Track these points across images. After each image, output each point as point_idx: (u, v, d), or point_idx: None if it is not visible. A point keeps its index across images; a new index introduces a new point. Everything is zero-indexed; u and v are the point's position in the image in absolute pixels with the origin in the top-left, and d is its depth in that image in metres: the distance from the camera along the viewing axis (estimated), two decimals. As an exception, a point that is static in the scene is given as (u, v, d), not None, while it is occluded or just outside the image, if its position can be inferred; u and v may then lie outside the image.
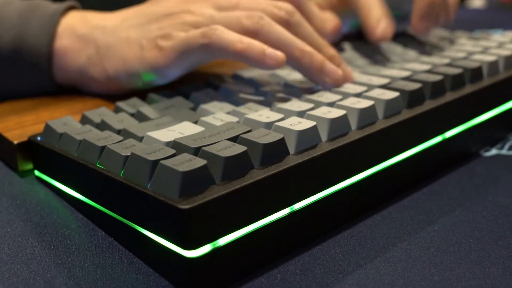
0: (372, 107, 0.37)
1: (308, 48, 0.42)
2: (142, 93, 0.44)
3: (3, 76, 0.48)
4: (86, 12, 0.49)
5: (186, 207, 0.27)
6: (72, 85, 0.49)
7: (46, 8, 0.47)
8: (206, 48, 0.41)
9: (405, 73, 0.44)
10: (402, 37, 0.58)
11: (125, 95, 0.45)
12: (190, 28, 0.43)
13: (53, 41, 0.46)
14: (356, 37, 0.60)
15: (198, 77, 0.51)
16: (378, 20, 0.52)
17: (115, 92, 0.47)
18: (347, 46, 0.56)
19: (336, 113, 0.35)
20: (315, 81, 0.43)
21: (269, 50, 0.40)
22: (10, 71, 0.47)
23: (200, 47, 0.41)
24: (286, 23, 0.43)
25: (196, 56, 0.42)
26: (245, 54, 0.40)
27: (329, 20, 0.55)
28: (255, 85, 0.45)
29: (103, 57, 0.45)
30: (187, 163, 0.29)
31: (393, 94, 0.38)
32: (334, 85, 0.42)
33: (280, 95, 0.42)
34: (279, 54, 0.40)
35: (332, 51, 0.44)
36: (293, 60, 0.42)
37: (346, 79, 0.43)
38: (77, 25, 0.47)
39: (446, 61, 0.47)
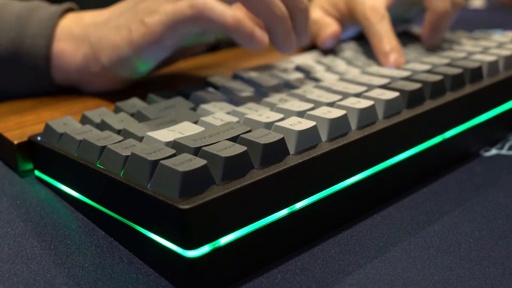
0: (372, 107, 0.37)
1: (285, 11, 0.44)
2: (142, 93, 0.44)
3: (2, 77, 0.48)
4: (81, 13, 0.49)
5: (186, 207, 0.27)
6: (71, 85, 0.49)
7: (44, 10, 0.47)
8: (194, 20, 0.41)
9: (405, 73, 0.44)
10: (402, 37, 0.57)
11: (125, 95, 0.45)
12: (176, 1, 0.42)
13: (51, 43, 0.46)
14: (356, 37, 0.60)
15: (198, 77, 0.51)
16: (390, 50, 0.52)
17: (114, 86, 0.47)
18: (347, 46, 0.56)
19: (336, 113, 0.35)
20: (277, 44, 0.45)
21: (258, 31, 0.42)
22: (9, 73, 0.47)
23: (188, 19, 0.41)
24: None
25: (183, 29, 0.42)
26: (235, 30, 0.41)
27: (329, 25, 0.55)
28: (255, 85, 0.45)
29: (96, 50, 0.45)
30: (187, 163, 0.29)
31: (393, 94, 0.38)
32: (288, 52, 0.45)
33: (280, 95, 0.42)
34: (265, 37, 0.43)
35: (307, 7, 0.46)
36: (270, 19, 0.43)
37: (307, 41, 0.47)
38: (72, 26, 0.47)
39: (446, 61, 0.47)
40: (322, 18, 0.57)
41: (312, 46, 0.58)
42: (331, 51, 0.55)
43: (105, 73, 0.46)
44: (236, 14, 0.41)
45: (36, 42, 0.46)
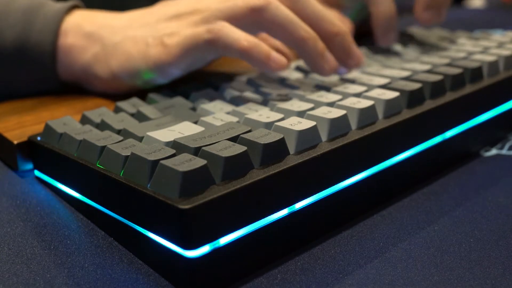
0: (372, 107, 0.37)
1: (312, 32, 0.42)
2: (142, 93, 0.44)
3: (7, 72, 0.48)
4: (93, 11, 0.49)
5: (186, 207, 0.27)
6: (75, 83, 0.49)
7: (50, 6, 0.48)
8: (211, 44, 0.41)
9: (405, 73, 0.44)
10: (402, 37, 0.58)
11: (125, 95, 0.45)
12: (197, 26, 0.43)
13: (57, 39, 0.47)
14: (355, 37, 0.60)
15: (198, 77, 0.51)
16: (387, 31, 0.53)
17: (116, 90, 0.47)
18: None
19: (336, 113, 0.35)
20: (314, 68, 0.44)
21: (274, 54, 0.41)
22: (15, 68, 0.48)
23: (205, 43, 0.41)
24: (293, 5, 0.43)
25: (200, 52, 0.42)
26: (250, 53, 0.41)
27: (343, 22, 0.55)
28: (255, 85, 0.45)
29: (108, 54, 0.45)
30: (187, 163, 0.29)
31: (393, 94, 0.38)
32: (330, 73, 0.43)
33: (280, 95, 0.42)
34: (282, 59, 0.41)
35: (341, 29, 0.44)
36: (297, 42, 0.42)
37: (357, 63, 0.45)
38: (83, 23, 0.47)
39: (446, 61, 0.47)
40: (332, 13, 0.58)
41: None
42: None
43: (110, 79, 0.46)
44: (250, 38, 0.41)
45: (42, 38, 0.46)
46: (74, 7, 0.49)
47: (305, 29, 0.42)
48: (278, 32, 0.43)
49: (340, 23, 0.45)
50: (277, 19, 0.42)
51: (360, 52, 0.45)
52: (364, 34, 0.60)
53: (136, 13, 0.47)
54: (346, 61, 0.45)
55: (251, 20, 0.42)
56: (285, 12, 0.42)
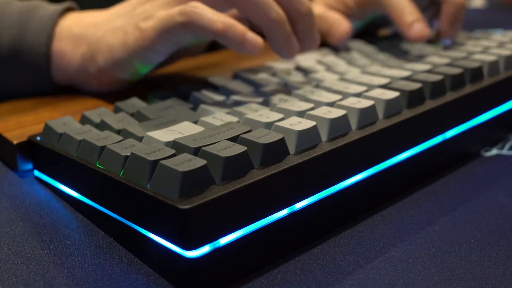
0: (372, 107, 0.37)
1: (283, 14, 0.42)
2: (142, 93, 0.44)
3: (2, 75, 0.48)
4: (83, 13, 0.49)
5: (186, 207, 0.27)
6: (70, 85, 0.49)
7: (45, 9, 0.47)
8: (185, 27, 0.41)
9: (405, 73, 0.44)
10: (402, 37, 0.57)
11: (125, 95, 0.45)
12: (171, 5, 0.42)
13: (51, 42, 0.47)
14: (355, 37, 0.60)
15: (198, 77, 0.51)
16: (413, 22, 0.52)
17: (111, 87, 0.47)
18: (347, 46, 0.56)
19: (336, 113, 0.35)
20: (278, 50, 0.44)
21: (250, 35, 0.41)
22: (10, 71, 0.47)
23: (179, 25, 0.41)
24: None
25: (176, 35, 0.42)
26: (224, 35, 0.40)
27: (340, 21, 0.55)
28: (255, 85, 0.45)
29: (94, 51, 0.45)
30: (187, 163, 0.29)
31: (393, 94, 0.38)
32: (291, 57, 0.44)
33: (280, 95, 0.42)
34: (258, 40, 0.41)
35: (309, 10, 0.44)
36: (268, 23, 0.42)
37: (314, 46, 0.45)
38: (73, 26, 0.47)
39: (446, 61, 0.47)
40: (328, 14, 0.57)
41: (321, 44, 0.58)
42: (332, 51, 0.55)
43: (102, 74, 0.46)
44: (225, 19, 0.41)
45: (36, 41, 0.46)
46: (68, 10, 0.49)
47: (276, 11, 0.42)
48: (250, 11, 0.42)
49: (309, 2, 0.45)
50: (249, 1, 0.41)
51: (318, 37, 0.46)
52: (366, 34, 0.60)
53: (117, 6, 0.47)
54: (305, 43, 0.45)
55: None
56: None
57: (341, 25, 0.56)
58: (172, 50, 0.44)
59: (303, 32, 0.45)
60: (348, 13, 0.59)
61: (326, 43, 0.57)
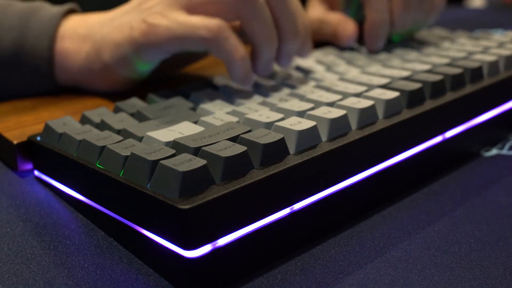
0: (372, 107, 0.37)
1: (276, 39, 0.44)
2: (142, 93, 0.44)
3: (4, 77, 0.48)
4: (87, 14, 0.49)
5: (186, 207, 0.27)
6: (74, 85, 0.49)
7: (46, 11, 0.47)
8: (206, 43, 0.41)
9: (405, 73, 0.44)
10: (402, 37, 0.57)
11: (125, 95, 0.45)
12: (177, 4, 0.43)
13: (54, 44, 0.46)
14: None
15: (198, 77, 0.51)
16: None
17: (116, 87, 0.47)
18: (354, 46, 0.56)
19: (336, 113, 0.35)
20: (255, 70, 0.45)
21: (250, 75, 0.43)
22: (11, 73, 0.47)
23: (200, 39, 0.41)
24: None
25: (192, 44, 0.42)
26: (237, 64, 0.42)
27: (346, 22, 0.55)
28: (255, 85, 0.45)
29: (99, 48, 0.45)
30: (187, 163, 0.29)
31: (393, 94, 0.38)
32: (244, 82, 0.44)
33: (280, 95, 0.42)
34: (250, 83, 0.43)
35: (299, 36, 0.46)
36: (259, 44, 0.44)
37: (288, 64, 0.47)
38: (78, 26, 0.47)
39: (446, 61, 0.47)
40: (328, 16, 0.57)
41: (324, 43, 0.58)
42: (334, 50, 0.55)
43: (107, 72, 0.46)
44: (244, 53, 0.42)
45: (38, 43, 0.46)
46: (71, 11, 0.49)
47: (272, 33, 0.44)
48: (253, 30, 0.43)
49: (301, 29, 0.46)
50: (258, 19, 0.43)
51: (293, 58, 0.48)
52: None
53: (122, 7, 0.47)
54: (282, 61, 0.47)
55: (234, 8, 0.43)
56: (267, 14, 0.43)
57: (346, 25, 0.56)
58: (178, 51, 0.44)
59: (286, 52, 0.46)
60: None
61: (333, 44, 0.57)
